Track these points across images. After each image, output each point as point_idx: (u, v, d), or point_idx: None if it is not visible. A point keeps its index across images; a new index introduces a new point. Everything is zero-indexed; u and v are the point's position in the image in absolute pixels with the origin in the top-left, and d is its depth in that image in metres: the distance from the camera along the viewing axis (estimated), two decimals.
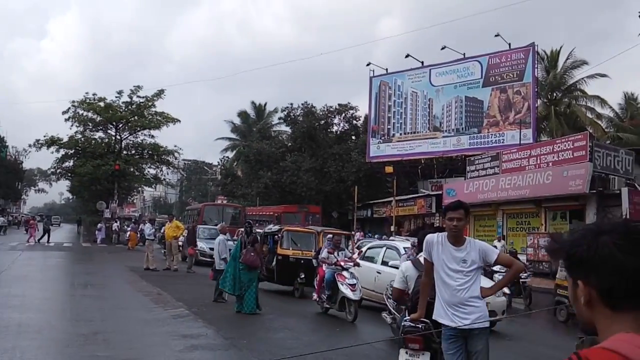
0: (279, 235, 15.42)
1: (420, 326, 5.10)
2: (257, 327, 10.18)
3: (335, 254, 12.08)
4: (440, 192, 29.21)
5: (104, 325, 9.38)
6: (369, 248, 14.74)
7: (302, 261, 14.51)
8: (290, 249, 15.07)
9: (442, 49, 33.96)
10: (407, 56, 36.45)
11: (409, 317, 5.31)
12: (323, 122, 40.66)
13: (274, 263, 15.10)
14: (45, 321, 9.80)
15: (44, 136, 42.96)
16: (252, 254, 11.85)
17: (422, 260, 5.54)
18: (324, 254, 12.19)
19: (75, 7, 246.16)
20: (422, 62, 36.06)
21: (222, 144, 59.97)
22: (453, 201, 5.02)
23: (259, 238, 13.29)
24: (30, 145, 45.58)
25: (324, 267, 11.91)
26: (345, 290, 11.15)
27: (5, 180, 72.41)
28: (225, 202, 42.74)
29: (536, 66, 32.15)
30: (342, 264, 11.68)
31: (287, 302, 13.69)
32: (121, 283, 16.19)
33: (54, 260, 24.05)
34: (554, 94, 38.18)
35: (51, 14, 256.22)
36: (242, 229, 13.63)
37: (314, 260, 13.19)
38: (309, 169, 37.62)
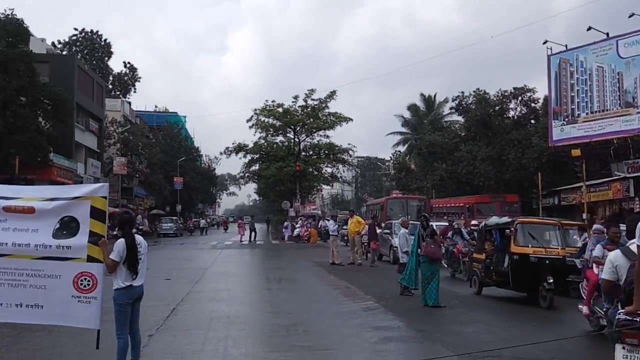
0: (512, 228, 12.31)
1: (638, 319, 4.62)
2: (447, 320, 10.02)
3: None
4: (638, 174, 26.29)
5: (301, 317, 9.92)
6: None
7: (546, 261, 11.47)
8: (530, 245, 11.82)
9: (630, 16, 30.48)
10: (589, 29, 33.36)
11: (623, 310, 4.83)
12: (498, 107, 38.81)
13: (505, 264, 12.27)
14: (250, 313, 10.63)
15: (232, 144, 46.95)
16: (432, 246, 11.72)
17: (633, 248, 5.02)
18: (597, 251, 8.97)
19: (250, 21, 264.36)
20: (607, 34, 32.75)
21: (393, 138, 60.28)
22: None
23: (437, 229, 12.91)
24: (221, 153, 50.15)
25: (595, 268, 8.87)
26: None
27: (202, 186, 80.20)
28: (399, 194, 42.83)
29: None
30: None
31: (474, 296, 13.24)
32: (311, 277, 17.00)
33: (249, 257, 26.08)
34: None
35: (229, 29, 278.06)
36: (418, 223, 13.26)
37: (577, 261, 11.42)
38: (486, 157, 36.17)
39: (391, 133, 60.45)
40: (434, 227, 12.88)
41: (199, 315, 10.08)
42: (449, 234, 18.06)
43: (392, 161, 60.92)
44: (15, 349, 7.29)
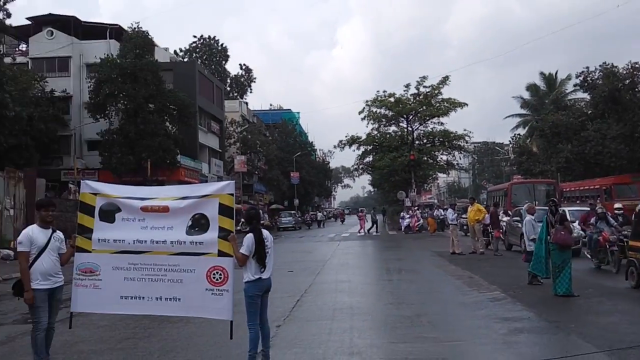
0: None
1: None
2: (582, 310, 9.40)
3: None
4: None
5: (424, 308, 9.75)
6: None
7: None
8: None
9: None
10: None
11: None
12: (628, 81, 35.72)
13: None
14: (371, 304, 10.63)
15: (345, 136, 47.27)
16: (562, 232, 11.01)
17: None
18: None
19: (358, 14, 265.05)
20: None
21: (512, 121, 57.69)
22: None
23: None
24: (334, 147, 50.63)
25: None
26: None
27: (318, 180, 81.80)
28: (521, 179, 40.80)
29: None
30: None
31: (612, 283, 12.29)
32: (431, 267, 16.69)
33: (367, 248, 26.17)
34: None
35: (338, 24, 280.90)
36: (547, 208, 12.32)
37: None
38: (617, 136, 33.50)
39: (510, 116, 57.93)
40: (565, 213, 12.05)
41: (322, 306, 10.24)
42: (592, 220, 15.71)
43: (511, 145, 58.21)
44: (156, 340, 7.82)
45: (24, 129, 30.04)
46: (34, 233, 6.10)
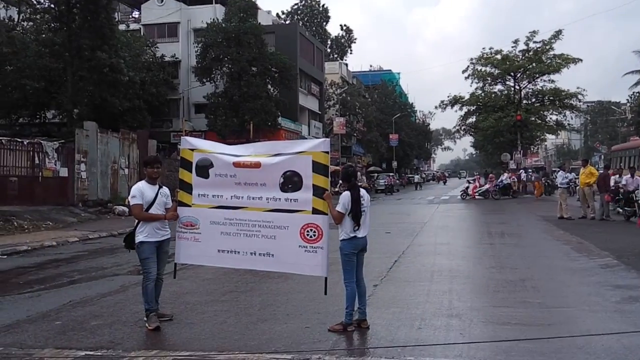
0: None
1: None
2: None
3: None
4: None
5: (529, 273, 9.32)
6: None
7: None
8: None
9: None
10: None
11: None
12: None
13: None
14: (472, 267, 10.30)
15: (447, 96, 45.86)
16: None
17: None
18: None
19: None
20: None
21: (631, 78, 53.18)
22: None
23: None
24: (435, 107, 49.29)
25: None
26: None
27: (417, 142, 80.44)
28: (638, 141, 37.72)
29: None
30: None
31: None
32: (537, 232, 15.95)
33: (468, 211, 25.48)
34: None
35: None
36: None
37: None
38: None
39: (629, 72, 53.37)
40: None
41: (420, 268, 10.09)
42: None
43: (629, 104, 53.93)
44: (257, 294, 8.06)
45: (137, 93, 31.75)
46: (143, 188, 6.40)
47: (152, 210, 6.34)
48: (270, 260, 6.20)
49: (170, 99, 40.18)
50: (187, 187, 6.56)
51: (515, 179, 36.42)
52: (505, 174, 35.64)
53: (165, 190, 6.58)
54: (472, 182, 39.39)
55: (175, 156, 32.69)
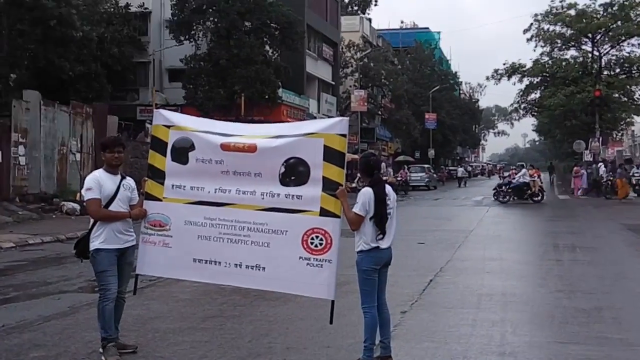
0: None
1: None
2: None
3: None
4: None
5: (608, 300, 9.33)
6: None
7: None
8: None
9: None
10: None
11: None
12: None
13: None
14: (531, 290, 10.32)
15: (503, 64, 45.75)
16: None
17: None
18: None
19: None
20: None
21: None
22: None
23: None
24: (487, 79, 49.04)
25: None
26: None
27: (461, 124, 79.91)
28: None
29: None
30: None
31: None
32: (620, 246, 15.98)
33: (528, 217, 25.44)
34: None
35: None
36: None
37: None
38: None
39: None
40: None
41: (463, 290, 10.11)
42: None
43: None
44: (248, 320, 8.10)
45: (93, 54, 31.85)
46: (101, 178, 6.38)
47: (113, 207, 6.34)
48: (260, 276, 6.14)
49: (137, 63, 40.27)
50: (158, 175, 6.56)
51: (537, 177, 35.02)
52: (524, 170, 34.62)
53: (129, 181, 6.58)
54: (505, 177, 39.17)
55: (142, 137, 32.90)
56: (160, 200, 6.52)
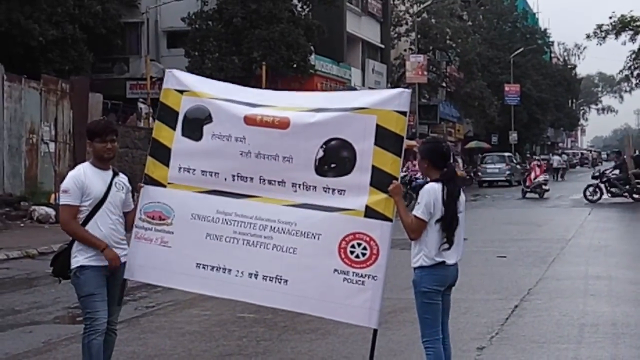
0: None
1: None
2: None
3: None
4: None
5: None
6: None
7: None
8: None
9: None
10: None
11: None
12: None
13: None
14: None
15: (610, 18, 45.20)
16: None
17: None
18: None
19: None
20: None
21: None
22: None
23: None
24: (587, 37, 48.48)
25: None
26: None
27: (553, 99, 78.79)
28: None
29: None
30: None
31: None
32: None
33: None
34: None
35: None
36: None
37: None
38: None
39: None
40: None
41: (560, 320, 10.05)
42: None
43: None
44: (276, 358, 8.13)
45: (70, 13, 31.93)
46: (87, 177, 6.25)
47: (102, 213, 6.23)
48: (279, 291, 5.99)
49: (126, 24, 40.48)
50: (163, 154, 6.42)
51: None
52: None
53: (122, 179, 6.45)
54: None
55: (134, 121, 33.09)
56: (163, 185, 6.38)
